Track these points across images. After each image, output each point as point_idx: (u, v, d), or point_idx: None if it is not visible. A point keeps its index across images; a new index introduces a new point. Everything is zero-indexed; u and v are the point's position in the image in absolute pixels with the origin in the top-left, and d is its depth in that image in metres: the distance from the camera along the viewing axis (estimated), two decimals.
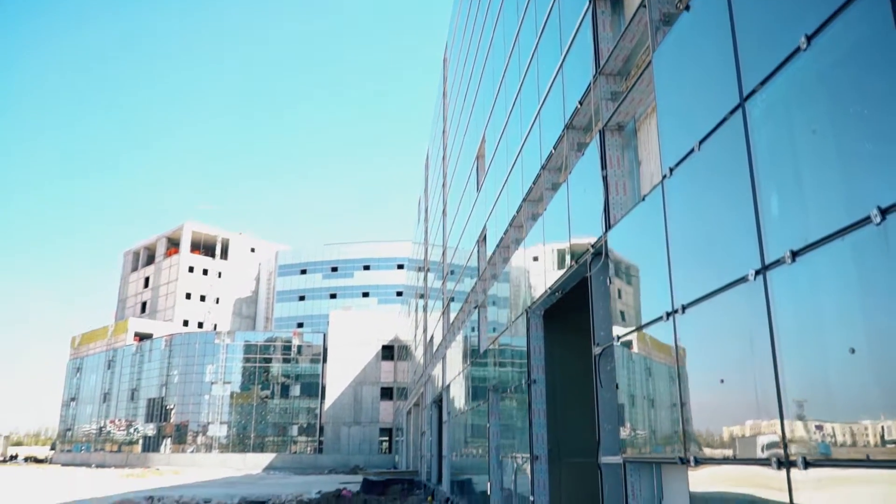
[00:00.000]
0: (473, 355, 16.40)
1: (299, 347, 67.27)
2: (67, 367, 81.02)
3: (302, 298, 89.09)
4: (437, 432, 25.96)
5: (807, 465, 3.71)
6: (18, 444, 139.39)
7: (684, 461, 5.16)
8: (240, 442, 63.30)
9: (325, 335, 67.09)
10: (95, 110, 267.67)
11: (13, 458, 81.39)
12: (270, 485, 34.54)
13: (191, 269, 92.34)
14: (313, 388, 65.70)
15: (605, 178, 7.28)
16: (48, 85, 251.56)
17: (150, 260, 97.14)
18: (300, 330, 72.37)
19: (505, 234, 13.06)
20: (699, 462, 4.99)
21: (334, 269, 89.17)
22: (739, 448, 4.50)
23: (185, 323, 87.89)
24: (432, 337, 29.09)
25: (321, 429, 64.19)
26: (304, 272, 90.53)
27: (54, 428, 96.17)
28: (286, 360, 66.72)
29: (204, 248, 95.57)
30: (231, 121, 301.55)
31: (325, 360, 65.80)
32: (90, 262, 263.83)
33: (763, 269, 4.21)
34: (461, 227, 20.63)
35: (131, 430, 67.34)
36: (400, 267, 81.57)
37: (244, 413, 64.20)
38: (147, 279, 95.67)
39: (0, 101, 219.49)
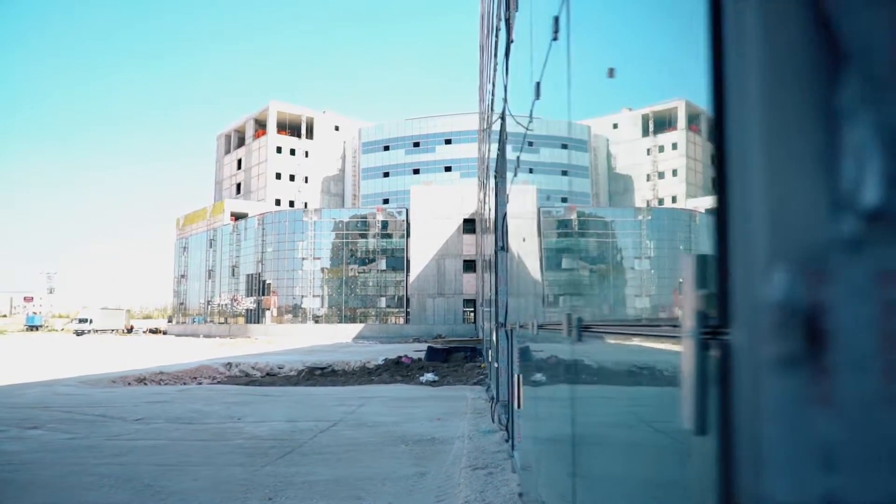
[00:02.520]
0: (493, 224, 15.98)
1: (384, 223, 68.54)
2: (175, 246, 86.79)
3: (386, 175, 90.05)
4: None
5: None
6: (148, 317, 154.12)
7: (522, 325, 4.75)
8: (333, 314, 66.71)
9: (407, 210, 67.85)
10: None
11: (131, 329, 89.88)
12: (347, 353, 36.15)
13: (279, 150, 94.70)
14: (399, 262, 67.43)
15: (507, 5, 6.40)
16: None
17: (241, 142, 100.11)
18: (385, 206, 73.46)
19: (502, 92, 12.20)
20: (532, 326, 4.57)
21: (416, 145, 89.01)
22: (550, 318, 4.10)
23: (278, 202, 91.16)
24: (487, 207, 28.73)
25: (407, 300, 66.37)
26: (387, 148, 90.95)
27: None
28: (372, 236, 68.42)
29: (289, 128, 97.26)
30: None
31: (408, 235, 66.93)
32: (190, 147, 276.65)
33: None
34: (488, 92, 19.64)
35: (234, 304, 72.28)
36: None
37: (335, 286, 67.24)
38: (239, 161, 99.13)
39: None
